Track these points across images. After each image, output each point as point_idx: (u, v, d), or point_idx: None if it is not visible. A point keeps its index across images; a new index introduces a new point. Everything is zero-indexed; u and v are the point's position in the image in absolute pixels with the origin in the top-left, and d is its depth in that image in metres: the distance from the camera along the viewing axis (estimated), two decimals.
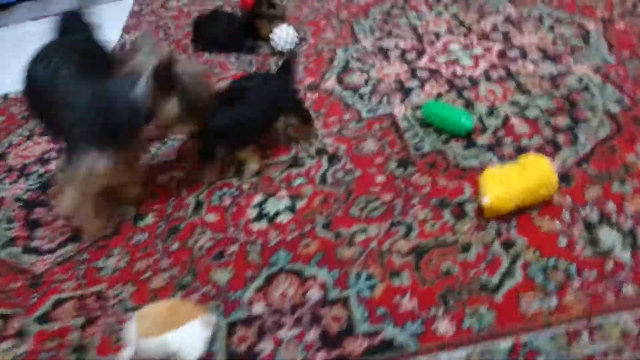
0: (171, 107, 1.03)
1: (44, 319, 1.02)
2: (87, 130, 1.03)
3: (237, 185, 1.23)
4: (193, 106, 1.05)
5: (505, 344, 0.82)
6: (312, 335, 0.89)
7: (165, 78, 1.00)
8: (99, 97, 1.02)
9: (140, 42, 1.06)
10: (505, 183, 0.99)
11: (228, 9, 2.06)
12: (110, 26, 2.16)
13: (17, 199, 1.35)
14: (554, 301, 0.86)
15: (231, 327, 0.93)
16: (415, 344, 0.84)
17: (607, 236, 0.94)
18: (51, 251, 1.17)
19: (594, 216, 0.98)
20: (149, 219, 1.19)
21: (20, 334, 1.00)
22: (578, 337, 0.81)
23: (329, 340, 0.88)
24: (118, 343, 0.94)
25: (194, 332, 0.85)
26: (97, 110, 1.02)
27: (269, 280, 1.00)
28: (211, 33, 1.81)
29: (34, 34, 2.00)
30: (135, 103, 1.00)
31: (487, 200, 0.98)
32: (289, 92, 1.29)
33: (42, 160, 1.46)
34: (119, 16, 2.26)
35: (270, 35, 1.68)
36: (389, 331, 0.87)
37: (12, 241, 1.22)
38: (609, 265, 0.90)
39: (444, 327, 0.86)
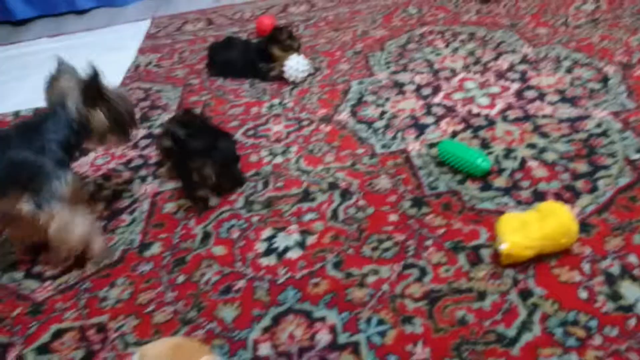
0: (100, 118, 1.15)
1: (42, 349, 0.99)
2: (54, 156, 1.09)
3: (245, 218, 1.21)
4: (119, 118, 1.18)
5: None
6: None
7: (92, 93, 1.13)
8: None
9: (60, 69, 1.17)
10: (524, 230, 0.96)
11: (243, 36, 2.07)
12: (127, 46, 2.18)
13: None
14: (574, 358, 0.82)
15: None
16: None
17: (629, 290, 0.91)
18: (54, 277, 1.14)
19: (615, 269, 0.95)
20: (155, 248, 1.16)
21: None
22: None
23: None
24: None
25: None
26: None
27: (277, 320, 0.96)
28: (226, 58, 1.82)
29: (48, 50, 2.02)
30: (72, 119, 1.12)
31: (504, 246, 0.95)
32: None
33: None
34: (135, 36, 2.28)
35: (283, 65, 1.67)
36: None
37: (14, 265, 1.19)
38: (632, 322, 0.86)
39: None
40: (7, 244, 1.22)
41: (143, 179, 1.40)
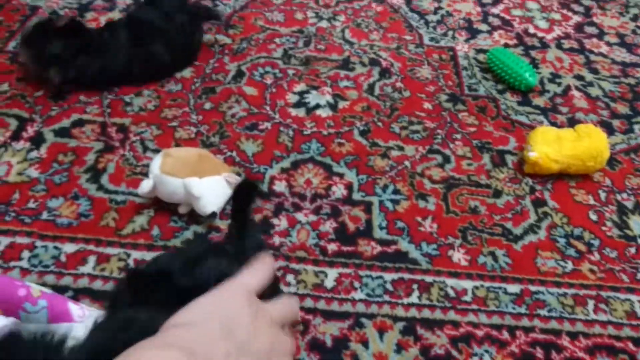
0: None
1: (62, 132, 0.99)
2: None
3: (281, 68, 1.18)
4: None
5: (513, 288, 0.82)
6: (328, 226, 0.88)
7: None
8: None
9: None
10: (557, 144, 0.96)
11: None
12: None
13: (53, 12, 1.28)
14: (569, 266, 0.86)
15: None
16: (428, 264, 0.84)
17: (637, 225, 0.94)
18: None
19: (629, 203, 0.97)
20: (187, 72, 1.14)
21: (34, 140, 0.97)
22: (584, 303, 0.82)
23: (343, 236, 0.87)
24: (131, 177, 0.93)
25: (217, 186, 0.83)
26: None
27: (296, 165, 0.98)
28: None
29: None
30: None
31: (534, 154, 0.96)
32: None
33: None
34: None
35: None
36: (404, 245, 0.87)
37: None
38: (632, 250, 0.90)
39: (459, 257, 0.86)
40: None
41: None
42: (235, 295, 0.38)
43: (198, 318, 0.36)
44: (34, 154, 0.95)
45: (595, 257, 0.88)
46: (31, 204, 0.87)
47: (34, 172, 0.92)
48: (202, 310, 0.36)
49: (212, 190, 0.83)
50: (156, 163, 0.83)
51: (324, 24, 1.34)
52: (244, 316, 0.37)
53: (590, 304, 0.82)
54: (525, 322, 0.79)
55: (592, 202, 0.97)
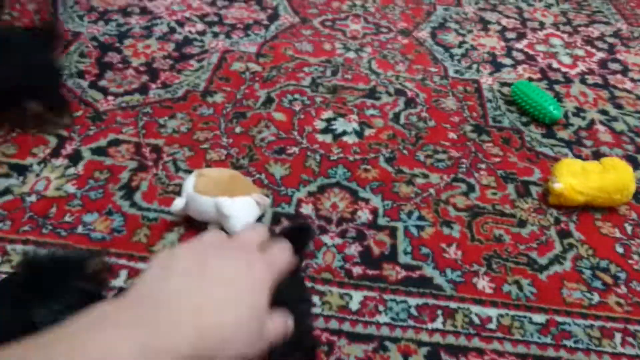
0: None
1: (98, 151, 1.03)
2: None
3: (309, 96, 1.22)
4: None
5: (539, 318, 0.82)
6: (354, 250, 0.90)
7: None
8: None
9: None
10: (582, 176, 0.97)
11: None
12: None
13: (93, 38, 1.34)
14: (596, 298, 0.86)
15: (276, 217, 0.93)
16: (452, 290, 0.85)
17: None
18: (117, 95, 1.17)
19: None
20: (218, 97, 1.19)
21: (72, 157, 1.01)
22: (611, 336, 0.81)
23: (368, 260, 0.88)
24: (163, 195, 0.95)
25: (247, 206, 0.85)
26: None
27: (323, 189, 1.00)
28: None
29: None
30: None
31: (559, 186, 0.96)
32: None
33: (124, 12, 1.45)
34: None
35: None
36: (429, 271, 0.87)
37: (81, 74, 1.22)
38: None
39: (483, 284, 0.86)
40: None
41: (215, 35, 1.40)
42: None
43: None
44: (71, 170, 0.99)
45: (622, 290, 0.87)
46: (67, 218, 0.90)
47: (71, 188, 0.95)
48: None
49: (242, 210, 0.85)
50: (190, 182, 0.86)
51: (351, 54, 1.38)
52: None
53: (618, 336, 0.81)
54: (551, 352, 0.78)
55: (618, 235, 0.96)
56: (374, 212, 0.96)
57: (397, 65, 1.36)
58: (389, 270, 0.87)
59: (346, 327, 0.79)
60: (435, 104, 1.24)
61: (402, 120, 1.18)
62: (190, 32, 1.41)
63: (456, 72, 1.35)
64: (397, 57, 1.39)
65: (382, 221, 0.95)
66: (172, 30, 1.40)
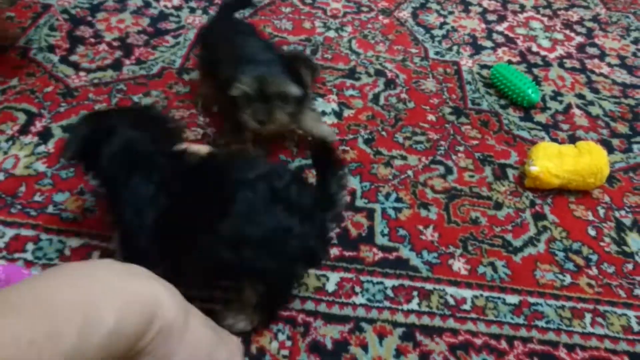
0: None
1: (69, 129, 1.00)
2: None
3: None
4: None
5: (512, 299, 0.83)
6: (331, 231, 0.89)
7: None
8: None
9: None
10: (558, 159, 0.98)
11: None
12: None
13: (64, 11, 1.29)
14: (568, 279, 0.87)
15: None
16: (428, 271, 0.85)
17: (635, 241, 0.95)
18: (89, 70, 1.13)
19: (627, 220, 0.99)
20: (195, 75, 1.16)
21: (42, 135, 0.98)
22: (582, 316, 0.82)
23: (345, 241, 0.88)
24: None
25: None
26: None
27: (301, 170, 0.99)
28: None
29: None
30: None
31: (535, 169, 0.97)
32: None
33: None
34: None
35: None
36: (405, 252, 0.88)
37: (51, 48, 1.18)
38: (629, 266, 0.91)
39: (459, 266, 0.87)
40: None
41: (192, 10, 1.36)
42: None
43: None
44: (41, 148, 0.96)
45: (593, 271, 0.89)
46: (37, 197, 0.88)
47: (40, 166, 0.93)
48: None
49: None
50: None
51: (331, 34, 1.36)
52: None
53: (588, 317, 0.82)
54: (523, 332, 0.79)
55: (591, 217, 0.98)
56: (352, 193, 0.96)
57: (377, 45, 1.34)
58: (365, 252, 0.87)
59: (322, 308, 0.79)
60: (415, 85, 1.23)
61: (382, 101, 1.17)
62: (166, 6, 1.36)
63: (436, 53, 1.35)
64: (378, 37, 1.37)
65: (359, 203, 0.95)
66: (147, 5, 1.36)
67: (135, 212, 0.64)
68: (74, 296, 0.34)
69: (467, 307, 0.82)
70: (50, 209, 0.86)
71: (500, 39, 1.44)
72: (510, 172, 1.05)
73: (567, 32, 1.51)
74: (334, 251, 0.86)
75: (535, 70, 1.34)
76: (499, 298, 0.83)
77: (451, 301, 0.82)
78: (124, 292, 0.37)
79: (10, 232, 0.82)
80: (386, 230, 0.91)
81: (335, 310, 0.79)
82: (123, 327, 0.35)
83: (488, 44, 1.41)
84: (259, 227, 0.62)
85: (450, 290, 0.83)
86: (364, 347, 0.75)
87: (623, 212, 1.00)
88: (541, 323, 0.81)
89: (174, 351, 0.40)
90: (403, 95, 1.19)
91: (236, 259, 0.61)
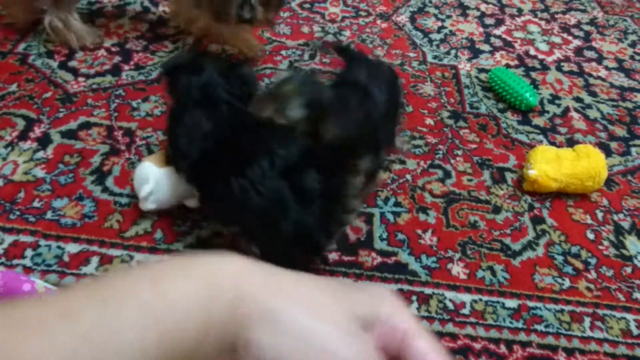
0: None
1: (69, 134, 1.00)
2: None
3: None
4: None
5: (511, 303, 0.83)
6: None
7: None
8: None
9: None
10: (556, 163, 0.98)
11: None
12: None
13: None
14: (567, 283, 0.87)
15: None
16: (427, 276, 0.85)
17: (634, 245, 0.95)
18: (88, 76, 1.13)
19: (626, 224, 0.99)
20: None
21: (41, 141, 0.98)
22: (581, 320, 0.82)
23: (344, 246, 0.88)
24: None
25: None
26: None
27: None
28: None
29: None
30: None
31: (533, 172, 0.97)
32: None
33: None
34: None
35: None
36: (404, 257, 0.88)
37: (50, 54, 1.18)
38: (628, 269, 0.91)
39: (458, 270, 0.87)
40: None
41: None
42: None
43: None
44: (40, 154, 0.96)
45: (592, 275, 0.89)
46: (36, 204, 0.88)
47: (39, 172, 0.93)
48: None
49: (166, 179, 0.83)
50: (146, 167, 0.83)
51: (329, 38, 1.36)
52: None
53: (587, 321, 0.83)
54: (522, 336, 0.79)
55: (589, 221, 0.98)
56: None
57: (375, 49, 1.35)
58: (364, 257, 0.87)
59: None
60: (414, 89, 1.23)
61: None
62: (164, 12, 1.37)
63: (435, 57, 1.35)
64: (376, 41, 1.38)
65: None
66: (146, 10, 1.36)
67: (187, 141, 0.75)
68: None
69: (466, 311, 0.82)
70: (49, 215, 0.86)
71: (498, 42, 1.44)
72: (509, 176, 1.05)
73: (565, 35, 1.51)
74: (333, 256, 0.86)
75: (533, 74, 1.34)
76: (497, 302, 0.83)
77: (450, 305, 0.82)
78: None
79: (9, 239, 0.82)
80: (385, 235, 0.91)
81: None
82: None
83: (486, 47, 1.42)
84: (261, 197, 0.66)
85: (449, 294, 0.83)
86: None
87: (621, 215, 1.00)
88: (540, 327, 0.81)
89: None
90: (401, 99, 1.19)
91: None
